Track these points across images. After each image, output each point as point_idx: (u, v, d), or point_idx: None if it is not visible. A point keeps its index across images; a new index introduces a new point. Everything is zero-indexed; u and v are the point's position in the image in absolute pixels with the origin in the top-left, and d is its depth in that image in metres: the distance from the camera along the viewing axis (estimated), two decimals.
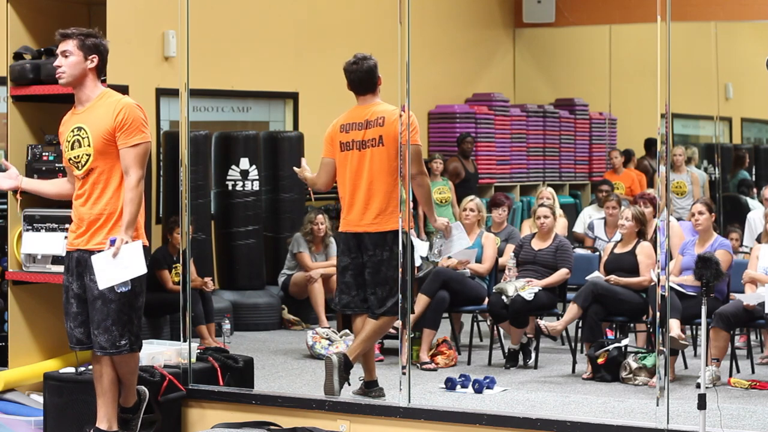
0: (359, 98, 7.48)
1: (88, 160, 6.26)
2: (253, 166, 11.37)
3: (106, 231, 6.22)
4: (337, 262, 7.54)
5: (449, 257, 8.95)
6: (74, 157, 6.31)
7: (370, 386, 7.40)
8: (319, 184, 7.58)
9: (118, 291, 6.17)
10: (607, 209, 11.19)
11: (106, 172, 6.25)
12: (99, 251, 6.18)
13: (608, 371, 8.56)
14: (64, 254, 7.30)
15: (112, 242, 6.13)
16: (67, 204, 7.41)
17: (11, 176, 6.62)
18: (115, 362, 6.35)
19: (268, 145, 11.75)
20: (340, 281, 7.46)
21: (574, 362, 8.94)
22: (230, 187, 11.34)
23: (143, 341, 6.60)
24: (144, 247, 6.27)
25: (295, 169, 7.83)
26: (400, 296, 7.11)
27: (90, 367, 7.09)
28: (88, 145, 6.25)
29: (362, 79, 7.41)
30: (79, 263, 6.31)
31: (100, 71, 6.39)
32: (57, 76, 6.37)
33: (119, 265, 6.12)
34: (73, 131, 6.33)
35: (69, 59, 6.31)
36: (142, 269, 6.19)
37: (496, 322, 9.40)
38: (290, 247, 11.03)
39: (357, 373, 7.32)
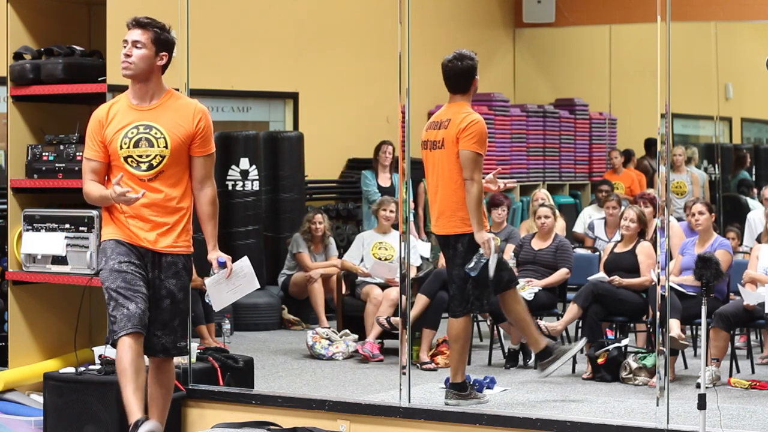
0: (450, 96, 7.43)
1: (161, 162, 5.93)
2: (253, 166, 11.37)
3: (176, 235, 5.99)
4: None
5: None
6: (139, 156, 5.94)
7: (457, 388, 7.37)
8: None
9: (207, 302, 6.25)
10: (607, 209, 11.19)
11: (175, 175, 5.98)
12: (173, 253, 5.99)
13: (608, 371, 8.56)
14: (64, 254, 7.31)
15: (221, 263, 6.07)
16: (67, 204, 7.44)
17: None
18: (163, 371, 6.09)
19: (268, 145, 11.75)
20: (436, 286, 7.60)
21: (574, 362, 8.94)
22: (230, 187, 11.34)
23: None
24: (191, 254, 6.13)
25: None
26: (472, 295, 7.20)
27: (90, 366, 7.10)
28: (165, 147, 5.93)
29: (451, 77, 7.33)
30: (144, 258, 5.97)
31: (164, 70, 6.09)
32: (123, 65, 5.99)
33: (232, 285, 6.13)
34: (137, 128, 5.96)
35: (140, 51, 5.95)
36: (255, 284, 6.21)
37: (496, 322, 9.40)
38: (290, 247, 11.03)
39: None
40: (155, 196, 5.94)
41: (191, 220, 6.08)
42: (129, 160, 5.94)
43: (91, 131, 6.04)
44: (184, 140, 5.96)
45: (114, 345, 5.87)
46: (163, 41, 6.03)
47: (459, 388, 7.31)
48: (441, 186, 7.25)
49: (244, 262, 6.18)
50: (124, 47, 5.99)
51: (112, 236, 5.98)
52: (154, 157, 5.94)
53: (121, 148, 5.94)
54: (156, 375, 6.10)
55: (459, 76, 7.33)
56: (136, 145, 5.94)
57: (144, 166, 5.94)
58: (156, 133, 5.94)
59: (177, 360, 7.21)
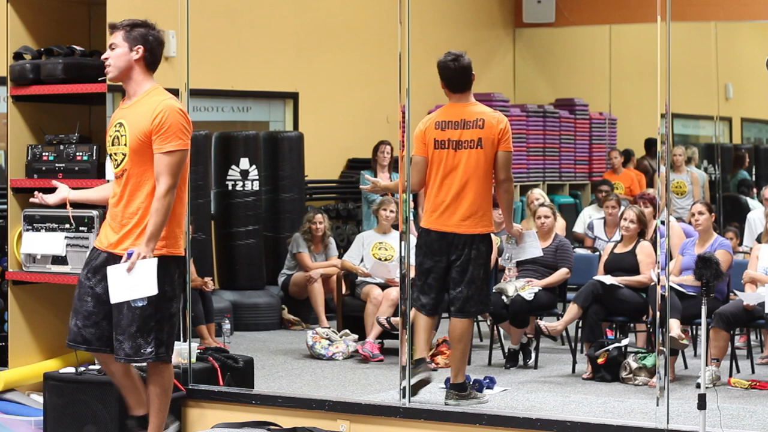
0: (454, 96, 7.42)
1: (123, 160, 5.94)
2: (253, 166, 11.37)
3: (134, 237, 5.89)
4: (418, 263, 7.45)
5: None
6: (113, 154, 6.00)
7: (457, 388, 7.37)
8: (412, 184, 7.35)
9: (133, 305, 5.86)
10: (606, 209, 11.19)
11: (138, 174, 5.91)
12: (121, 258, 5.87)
13: (608, 371, 8.56)
14: (64, 254, 7.31)
15: (129, 255, 5.80)
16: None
17: (60, 192, 6.29)
18: (155, 373, 6.04)
19: (268, 145, 11.75)
20: (422, 282, 7.40)
21: (574, 362, 8.94)
22: (230, 187, 11.34)
23: None
24: (180, 257, 5.99)
25: (363, 187, 7.74)
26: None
27: (90, 366, 7.10)
28: (125, 144, 5.93)
29: (459, 76, 7.35)
30: (104, 263, 5.95)
31: (150, 64, 6.02)
32: (105, 70, 6.05)
33: (130, 281, 5.80)
34: (115, 126, 6.01)
35: (115, 51, 5.98)
36: (152, 290, 5.79)
37: (496, 322, 9.40)
38: (290, 247, 11.03)
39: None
40: (122, 195, 5.97)
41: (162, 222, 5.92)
42: (111, 158, 6.07)
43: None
44: (143, 138, 5.89)
45: None
46: (134, 36, 6.01)
47: (460, 389, 7.31)
48: (471, 186, 7.21)
49: (149, 263, 5.80)
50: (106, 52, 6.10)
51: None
52: (119, 155, 5.99)
53: (108, 147, 6.08)
54: (149, 375, 6.10)
55: (465, 72, 7.35)
56: (113, 143, 6.03)
57: (115, 164, 6.02)
58: (123, 131, 5.98)
59: (177, 360, 7.24)
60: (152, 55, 6.03)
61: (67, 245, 7.31)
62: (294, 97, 12.63)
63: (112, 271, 5.84)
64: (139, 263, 5.78)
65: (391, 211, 9.98)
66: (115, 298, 5.84)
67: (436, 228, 7.30)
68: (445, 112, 7.38)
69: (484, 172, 7.24)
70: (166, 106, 5.90)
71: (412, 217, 7.92)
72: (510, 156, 7.29)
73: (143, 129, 5.89)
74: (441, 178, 7.29)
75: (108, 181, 6.78)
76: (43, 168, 7.44)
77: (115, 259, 5.93)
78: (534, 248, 8.00)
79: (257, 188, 11.41)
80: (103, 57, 6.06)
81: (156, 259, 5.81)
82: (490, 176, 7.27)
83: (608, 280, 8.91)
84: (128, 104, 6.03)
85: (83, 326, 6.01)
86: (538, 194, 11.13)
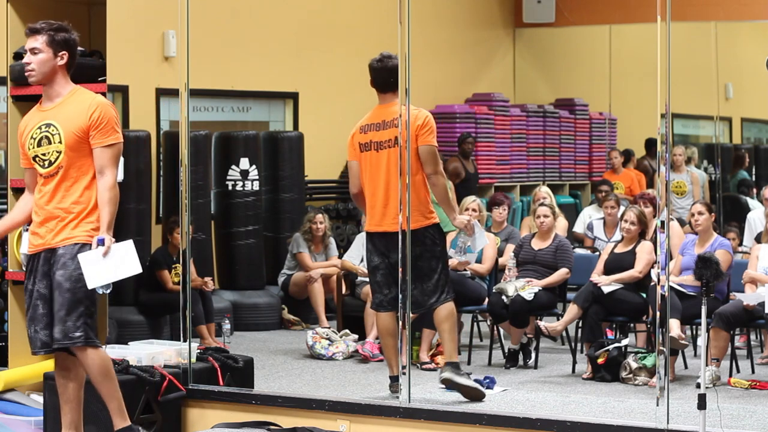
0: (380, 97, 7.48)
1: (58, 157, 6.07)
2: (253, 166, 11.37)
3: (73, 227, 6.04)
4: (367, 262, 7.58)
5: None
6: (42, 154, 6.11)
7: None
8: (352, 189, 7.57)
9: (100, 292, 6.03)
10: (605, 209, 11.19)
11: (76, 169, 6.07)
12: (65, 245, 6.00)
13: (608, 371, 8.56)
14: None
15: (100, 242, 5.97)
16: None
17: None
18: (83, 366, 6.10)
19: (268, 145, 11.75)
20: (372, 281, 7.53)
21: (574, 362, 8.94)
22: (230, 187, 11.34)
23: (143, 341, 6.59)
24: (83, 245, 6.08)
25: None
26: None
27: None
28: (59, 142, 6.06)
29: (385, 77, 7.39)
30: (45, 262, 6.09)
31: (70, 67, 6.18)
32: (26, 74, 6.16)
33: (110, 264, 5.97)
34: (40, 128, 6.12)
35: (38, 56, 6.09)
36: (136, 268, 6.05)
37: (496, 322, 9.40)
38: (290, 247, 11.03)
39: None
40: (56, 191, 6.07)
41: (94, 212, 6.07)
42: (36, 159, 6.15)
43: (18, 141, 6.29)
44: (80, 134, 6.06)
45: None
46: (59, 41, 6.14)
47: (456, 366, 7.37)
48: (395, 184, 7.25)
49: (128, 245, 6.06)
50: (25, 57, 6.16)
51: (25, 250, 6.31)
52: (52, 153, 6.09)
53: (29, 149, 6.16)
54: (82, 365, 6.12)
55: (389, 74, 7.36)
56: (39, 144, 6.13)
57: (46, 164, 6.11)
58: (53, 130, 6.09)
59: (177, 360, 7.24)
60: (73, 58, 6.20)
61: None
62: (294, 97, 12.63)
63: (84, 258, 5.98)
64: (114, 246, 5.97)
65: None
66: (92, 283, 5.98)
67: (374, 230, 7.43)
68: (370, 114, 7.55)
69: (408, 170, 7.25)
70: (99, 102, 6.12)
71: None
72: (431, 149, 7.32)
73: (80, 125, 6.06)
74: (369, 179, 7.42)
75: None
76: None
77: (51, 253, 6.05)
78: (482, 237, 8.08)
79: (257, 188, 11.41)
80: (24, 61, 6.17)
81: (131, 241, 6.06)
82: (417, 173, 7.29)
83: (604, 286, 8.87)
84: (50, 106, 6.16)
85: (39, 330, 6.11)
86: (545, 193, 11.13)
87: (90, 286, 5.99)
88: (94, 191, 6.08)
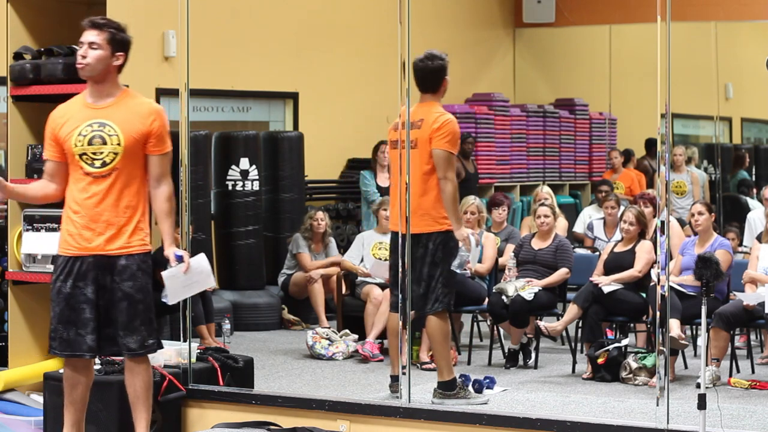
0: (421, 96, 7.41)
1: (114, 159, 5.98)
2: (253, 166, 11.37)
3: (128, 235, 6.01)
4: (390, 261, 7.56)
5: None
6: (92, 153, 5.99)
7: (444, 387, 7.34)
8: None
9: (163, 300, 6.18)
10: (605, 209, 11.19)
11: (129, 173, 6.02)
12: (127, 255, 6.00)
13: (608, 371, 8.56)
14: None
15: (179, 258, 6.06)
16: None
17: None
18: (136, 372, 6.11)
19: (268, 145, 11.75)
20: (391, 281, 7.50)
21: (574, 362, 8.94)
22: (230, 187, 11.34)
23: None
24: (148, 253, 6.12)
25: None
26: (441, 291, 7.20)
27: None
28: (118, 144, 5.98)
29: (420, 78, 7.30)
30: (96, 267, 6.01)
31: (121, 69, 6.15)
32: (78, 65, 6.06)
33: (189, 279, 6.11)
34: (91, 125, 6.01)
35: (96, 52, 6.01)
36: (211, 282, 6.30)
37: (496, 322, 9.40)
38: (290, 248, 11.03)
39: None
40: (108, 193, 6.00)
41: (146, 219, 6.11)
42: (84, 157, 6.02)
43: (47, 132, 6.14)
44: (138, 138, 6.03)
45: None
46: (119, 41, 6.09)
47: (446, 387, 7.29)
48: (412, 185, 7.23)
49: (201, 258, 6.18)
50: (80, 48, 6.06)
51: (62, 250, 6.13)
52: (107, 155, 6.00)
53: (76, 146, 6.02)
54: (127, 377, 6.16)
55: (429, 75, 7.29)
56: (90, 142, 6.02)
57: (98, 164, 6.01)
58: (109, 131, 6.01)
59: (177, 360, 7.24)
60: (125, 62, 6.17)
61: None
62: (294, 97, 12.63)
63: (169, 275, 6.08)
64: (192, 261, 6.11)
65: None
66: (173, 299, 6.17)
67: (393, 229, 7.42)
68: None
69: (420, 173, 7.22)
70: (158, 109, 6.14)
71: None
72: (441, 154, 7.18)
73: (140, 129, 6.02)
74: (391, 178, 7.43)
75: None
76: (43, 168, 7.42)
77: (105, 260, 6.00)
78: (477, 250, 7.83)
79: (257, 188, 11.41)
80: (80, 53, 6.05)
81: (203, 254, 6.21)
82: (429, 176, 7.23)
83: (605, 286, 8.87)
84: (101, 104, 6.07)
85: (86, 334, 6.03)
86: (546, 193, 11.13)
87: (171, 302, 6.18)
88: (143, 197, 6.08)
